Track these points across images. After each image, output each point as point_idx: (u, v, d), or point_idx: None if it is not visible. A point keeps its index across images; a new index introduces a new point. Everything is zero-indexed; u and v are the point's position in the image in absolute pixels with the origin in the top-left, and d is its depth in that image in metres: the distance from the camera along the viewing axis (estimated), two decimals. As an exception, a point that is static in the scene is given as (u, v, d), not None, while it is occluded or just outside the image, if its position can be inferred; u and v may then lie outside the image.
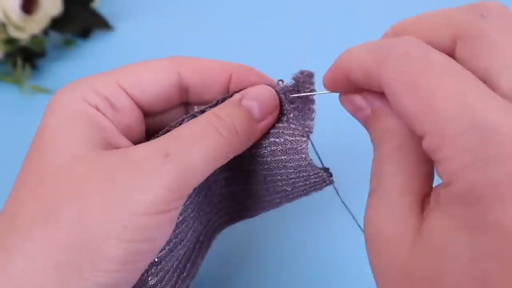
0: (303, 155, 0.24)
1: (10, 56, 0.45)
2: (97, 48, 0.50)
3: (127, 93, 0.23)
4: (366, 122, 0.21)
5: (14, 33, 0.43)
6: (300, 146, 0.24)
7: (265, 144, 0.25)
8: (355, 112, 0.21)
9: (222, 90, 0.25)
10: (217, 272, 0.33)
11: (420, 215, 0.17)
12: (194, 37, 0.51)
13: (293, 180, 0.26)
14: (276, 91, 0.24)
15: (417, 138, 0.17)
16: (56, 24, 0.47)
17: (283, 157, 0.24)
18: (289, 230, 0.35)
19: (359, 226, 0.24)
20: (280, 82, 0.25)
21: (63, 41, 0.50)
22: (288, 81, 0.25)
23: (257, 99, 0.23)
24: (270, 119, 0.24)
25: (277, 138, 0.24)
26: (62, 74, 0.47)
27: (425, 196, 0.18)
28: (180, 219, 0.24)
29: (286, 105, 0.24)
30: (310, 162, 0.24)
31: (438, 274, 0.15)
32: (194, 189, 0.24)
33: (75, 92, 0.23)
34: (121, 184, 0.19)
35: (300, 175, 0.25)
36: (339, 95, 0.22)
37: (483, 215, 0.14)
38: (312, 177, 0.25)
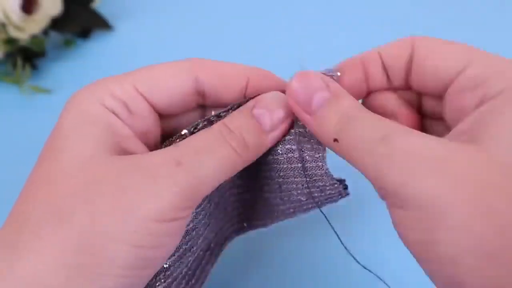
0: (320, 163, 0.23)
1: (10, 56, 0.45)
2: (97, 48, 0.50)
3: (144, 97, 0.23)
4: (321, 107, 0.21)
5: (14, 33, 0.43)
6: (317, 154, 0.23)
7: (281, 150, 0.24)
8: (311, 95, 0.22)
9: (239, 94, 0.25)
10: (221, 277, 0.33)
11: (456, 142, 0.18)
12: (194, 36, 0.51)
13: (308, 190, 0.25)
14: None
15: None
16: (56, 24, 0.47)
17: (299, 165, 0.24)
18: (294, 236, 0.35)
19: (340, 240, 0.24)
20: None
21: (63, 41, 0.50)
22: None
23: (269, 109, 0.23)
24: (283, 127, 0.24)
25: (294, 145, 0.24)
26: (62, 74, 0.47)
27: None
28: (190, 226, 0.23)
29: None
30: (327, 171, 0.23)
31: None
32: (205, 198, 0.24)
33: (93, 95, 0.23)
34: (132, 190, 0.19)
35: (316, 184, 0.25)
36: (288, 84, 0.22)
37: None
38: (328, 188, 0.25)
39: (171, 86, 0.24)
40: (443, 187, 0.17)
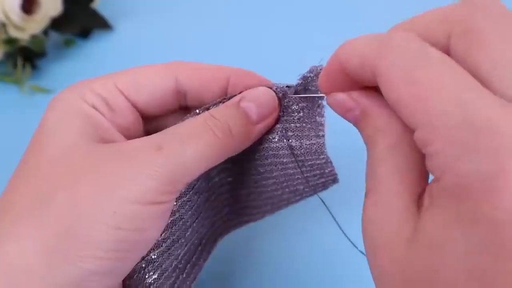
0: (321, 152, 0.24)
1: (10, 56, 0.45)
2: (97, 48, 0.50)
3: (124, 94, 0.24)
4: (356, 123, 0.21)
5: (14, 33, 0.43)
6: (316, 146, 0.24)
7: (283, 146, 0.24)
8: (344, 113, 0.21)
9: (220, 94, 0.25)
10: (216, 273, 0.33)
11: (416, 213, 0.17)
12: (194, 36, 0.51)
13: (307, 179, 0.26)
14: (276, 93, 0.24)
15: (409, 136, 0.17)
16: (56, 24, 0.47)
17: (301, 157, 0.24)
18: (287, 231, 0.36)
19: (347, 237, 0.24)
20: (287, 88, 0.25)
21: (63, 41, 0.50)
22: (295, 81, 0.25)
23: (255, 101, 0.24)
24: (269, 121, 0.24)
25: (295, 138, 0.24)
26: (62, 74, 0.47)
27: (421, 194, 0.18)
28: (176, 216, 0.24)
29: (294, 105, 0.24)
30: (328, 160, 0.24)
31: (435, 269, 0.15)
32: (192, 187, 0.24)
33: (74, 92, 0.24)
34: (112, 173, 0.20)
35: (314, 173, 0.25)
36: (326, 97, 0.22)
37: (474, 209, 0.14)
38: (325, 175, 0.25)
39: (150, 84, 0.25)
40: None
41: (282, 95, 0.24)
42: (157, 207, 0.21)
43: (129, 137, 0.24)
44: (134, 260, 0.22)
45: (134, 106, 0.25)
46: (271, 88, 0.24)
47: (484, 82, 0.16)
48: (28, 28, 0.44)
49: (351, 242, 0.25)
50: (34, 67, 0.47)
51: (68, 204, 0.19)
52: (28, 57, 0.46)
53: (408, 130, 0.18)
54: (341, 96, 0.21)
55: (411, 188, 0.18)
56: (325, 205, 0.25)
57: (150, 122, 0.26)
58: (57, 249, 0.19)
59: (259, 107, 0.23)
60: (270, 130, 0.25)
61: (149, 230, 0.21)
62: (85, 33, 0.51)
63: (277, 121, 0.25)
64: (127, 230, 0.20)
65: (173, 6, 0.55)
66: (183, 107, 0.26)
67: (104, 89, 0.24)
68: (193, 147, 0.21)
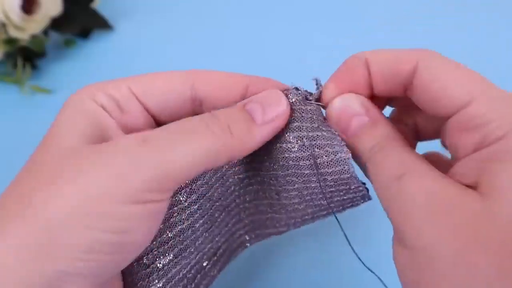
0: (346, 167, 0.22)
1: (10, 56, 0.45)
2: (97, 48, 0.50)
3: (137, 98, 0.24)
4: (357, 131, 0.22)
5: (14, 33, 0.43)
6: (339, 158, 0.22)
7: (303, 156, 0.23)
8: (349, 117, 0.22)
9: (237, 101, 0.24)
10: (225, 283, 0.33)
11: (462, 185, 0.19)
12: (194, 36, 0.51)
13: (330, 194, 0.24)
14: (286, 95, 0.23)
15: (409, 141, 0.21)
16: (56, 24, 0.47)
17: (323, 170, 0.23)
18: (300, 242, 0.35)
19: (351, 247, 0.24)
20: (294, 90, 0.24)
21: (63, 41, 0.50)
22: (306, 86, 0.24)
23: (261, 102, 0.22)
24: (277, 123, 0.23)
25: (317, 149, 0.23)
26: (62, 74, 0.47)
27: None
28: (185, 224, 0.23)
29: (311, 114, 0.23)
30: (353, 174, 0.22)
31: None
32: (203, 194, 0.23)
33: (86, 92, 0.24)
34: (94, 171, 0.19)
35: (340, 188, 0.23)
36: (332, 105, 0.23)
37: None
38: (352, 191, 0.24)
39: (165, 90, 0.24)
40: (440, 235, 0.18)
41: (295, 100, 0.23)
42: (142, 207, 0.19)
43: None
44: (126, 260, 0.21)
45: (147, 110, 0.24)
46: (284, 91, 0.23)
47: None
48: (28, 28, 0.44)
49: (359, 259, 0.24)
50: (34, 67, 0.47)
51: (46, 204, 0.19)
52: (28, 57, 0.46)
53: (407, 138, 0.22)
54: (353, 99, 0.22)
55: (439, 167, 0.20)
56: (339, 224, 0.24)
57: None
58: (36, 249, 0.19)
59: (264, 107, 0.22)
60: (286, 139, 0.23)
61: (135, 232, 0.20)
62: (85, 33, 0.51)
63: (288, 126, 0.23)
64: (108, 232, 0.19)
65: (173, 6, 0.55)
66: (197, 113, 0.25)
67: (116, 91, 0.23)
68: (184, 143, 0.20)
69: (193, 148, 0.20)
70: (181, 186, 0.24)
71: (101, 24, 0.51)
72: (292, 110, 0.23)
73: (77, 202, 0.19)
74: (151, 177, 0.19)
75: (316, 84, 0.24)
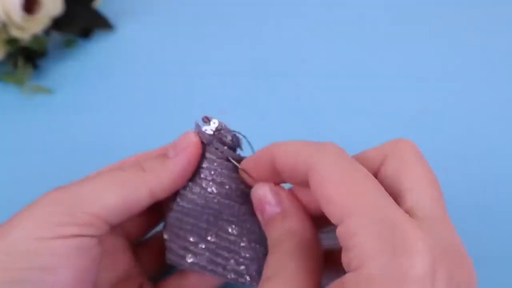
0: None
1: (11, 56, 0.45)
2: (98, 48, 0.50)
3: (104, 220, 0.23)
4: (269, 221, 0.23)
5: (15, 33, 0.43)
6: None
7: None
8: (263, 205, 0.23)
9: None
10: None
11: None
12: (195, 36, 0.51)
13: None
14: (200, 132, 0.25)
15: (315, 241, 0.21)
16: (57, 24, 0.47)
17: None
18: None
19: None
20: (206, 119, 0.25)
21: (64, 41, 0.50)
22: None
23: (172, 144, 0.24)
24: (189, 151, 0.24)
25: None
26: (63, 74, 0.47)
27: None
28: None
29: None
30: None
31: None
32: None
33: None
34: (14, 217, 0.21)
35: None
36: (252, 191, 0.24)
37: None
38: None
39: (129, 210, 0.23)
40: None
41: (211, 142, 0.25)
42: (62, 242, 0.20)
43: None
44: None
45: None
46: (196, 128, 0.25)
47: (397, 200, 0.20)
48: (29, 28, 0.44)
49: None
50: (35, 67, 0.47)
51: None
52: (29, 57, 0.46)
53: (315, 233, 0.22)
54: (270, 188, 0.23)
55: (313, 284, 0.20)
56: None
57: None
58: None
59: (174, 145, 0.24)
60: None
61: (60, 269, 0.20)
62: (86, 33, 0.50)
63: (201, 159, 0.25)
64: (27, 270, 0.19)
65: (175, 6, 0.55)
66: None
67: (87, 221, 0.23)
68: (96, 181, 0.22)
69: (106, 182, 0.22)
70: None
71: (102, 24, 0.51)
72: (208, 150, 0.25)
73: None
74: (62, 211, 0.20)
75: (232, 139, 0.25)
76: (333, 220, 0.19)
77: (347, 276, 0.18)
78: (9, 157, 0.39)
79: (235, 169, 0.25)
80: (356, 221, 0.18)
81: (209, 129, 0.25)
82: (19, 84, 0.45)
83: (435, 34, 0.52)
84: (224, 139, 0.25)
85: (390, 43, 0.51)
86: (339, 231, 0.18)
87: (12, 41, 0.44)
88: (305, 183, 0.21)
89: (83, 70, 0.47)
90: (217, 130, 0.25)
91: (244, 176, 0.25)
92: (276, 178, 0.23)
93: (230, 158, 0.25)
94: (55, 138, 0.40)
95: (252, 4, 0.56)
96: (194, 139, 0.24)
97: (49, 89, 0.45)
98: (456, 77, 0.48)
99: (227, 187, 0.25)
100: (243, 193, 0.25)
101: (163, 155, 0.24)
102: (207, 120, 0.25)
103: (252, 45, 0.51)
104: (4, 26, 0.43)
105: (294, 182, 0.23)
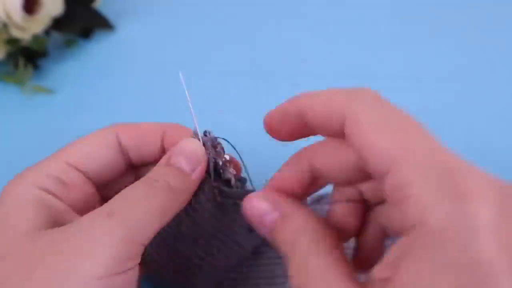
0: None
1: (11, 56, 0.45)
2: (98, 48, 0.50)
3: (77, 169, 0.25)
4: (273, 229, 0.21)
5: (15, 33, 0.43)
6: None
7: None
8: (260, 217, 0.22)
9: (158, 149, 0.27)
10: None
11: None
12: (196, 36, 0.51)
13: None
14: (203, 143, 0.25)
15: (328, 230, 0.20)
16: (57, 24, 0.47)
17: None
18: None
19: None
20: (208, 133, 0.26)
21: (65, 41, 0.50)
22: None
23: (182, 154, 0.24)
24: (202, 166, 0.25)
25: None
26: (64, 74, 0.47)
27: (353, 273, 0.18)
28: None
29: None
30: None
31: None
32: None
33: (26, 179, 0.24)
34: (68, 253, 0.20)
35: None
36: (243, 205, 0.23)
37: (461, 252, 0.15)
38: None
39: (99, 152, 0.26)
40: None
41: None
42: (122, 277, 0.20)
43: (87, 210, 0.24)
44: None
45: (87, 176, 0.25)
46: (194, 136, 0.26)
47: None
48: (29, 28, 0.44)
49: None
50: (35, 67, 0.47)
51: None
52: (29, 57, 0.46)
53: (327, 227, 0.20)
54: (260, 198, 0.22)
55: (346, 272, 0.18)
56: None
57: (105, 191, 0.27)
58: None
59: (188, 158, 0.24)
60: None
61: None
62: (86, 33, 0.50)
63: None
64: None
65: (175, 6, 0.55)
66: (129, 167, 0.28)
67: (55, 168, 0.24)
68: (142, 209, 0.22)
69: (151, 212, 0.22)
70: None
71: (102, 24, 0.51)
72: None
73: (61, 285, 0.19)
74: (123, 247, 0.20)
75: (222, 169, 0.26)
76: (377, 171, 0.17)
77: (410, 234, 0.16)
78: (10, 157, 0.39)
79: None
80: (409, 169, 0.16)
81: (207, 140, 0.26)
82: (20, 84, 0.45)
83: (436, 34, 0.52)
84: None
85: (390, 43, 0.51)
86: (388, 182, 0.17)
87: (12, 41, 0.44)
88: (339, 134, 0.19)
89: (83, 70, 0.47)
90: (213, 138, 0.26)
91: (271, 134, 0.24)
92: (305, 131, 0.22)
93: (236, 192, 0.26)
94: (55, 138, 0.40)
95: (252, 4, 0.56)
96: (203, 152, 0.25)
97: (50, 89, 0.45)
98: (456, 77, 0.48)
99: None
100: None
101: (181, 172, 0.24)
102: (216, 143, 0.26)
103: (252, 45, 0.51)
104: (5, 26, 0.43)
105: (327, 134, 0.22)
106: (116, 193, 0.24)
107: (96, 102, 0.44)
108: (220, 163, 0.25)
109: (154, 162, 0.26)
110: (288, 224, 0.21)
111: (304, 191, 0.23)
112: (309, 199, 0.35)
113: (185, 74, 0.47)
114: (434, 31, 0.53)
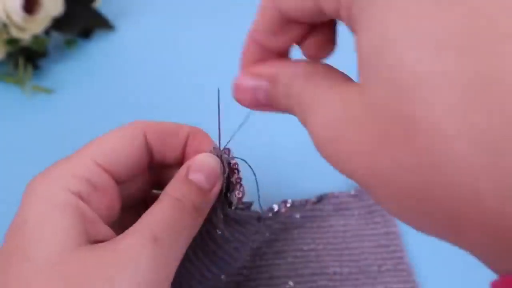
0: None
1: (11, 56, 0.45)
2: (98, 48, 0.50)
3: (105, 169, 0.23)
4: (269, 98, 0.21)
5: (15, 34, 0.43)
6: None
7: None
8: (255, 95, 0.21)
9: (180, 152, 0.26)
10: None
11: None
12: (196, 36, 0.51)
13: None
14: (220, 157, 0.26)
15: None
16: (57, 24, 0.47)
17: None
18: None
19: None
20: (226, 151, 0.26)
21: (65, 41, 0.50)
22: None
23: (202, 171, 0.24)
24: (220, 183, 0.25)
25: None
26: (64, 74, 0.47)
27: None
28: None
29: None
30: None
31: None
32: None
33: (55, 180, 0.22)
34: (119, 281, 0.19)
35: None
36: (235, 96, 0.23)
37: None
38: None
39: (126, 152, 0.24)
40: None
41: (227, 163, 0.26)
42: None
43: (113, 214, 0.24)
44: None
45: (114, 178, 0.24)
46: (213, 151, 0.26)
47: None
48: (29, 28, 0.44)
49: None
50: (35, 67, 0.47)
51: None
52: (29, 57, 0.46)
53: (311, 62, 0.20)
54: (245, 77, 0.22)
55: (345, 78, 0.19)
56: None
57: (121, 189, 0.25)
58: None
59: (207, 176, 0.24)
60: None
61: None
62: (86, 33, 0.50)
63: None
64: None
65: (175, 6, 0.55)
66: (149, 165, 0.27)
67: (85, 169, 0.23)
68: (181, 236, 0.22)
69: (186, 238, 0.23)
70: None
71: (102, 24, 0.51)
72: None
73: None
74: (165, 271, 0.21)
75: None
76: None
77: (358, 43, 0.16)
78: (10, 156, 0.39)
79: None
80: None
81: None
82: (20, 84, 0.45)
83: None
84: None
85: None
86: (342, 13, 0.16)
87: (12, 42, 0.44)
88: None
89: (83, 70, 0.48)
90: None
91: None
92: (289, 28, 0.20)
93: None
94: (55, 138, 0.41)
95: (252, 4, 0.56)
96: (218, 170, 0.25)
97: (50, 89, 0.45)
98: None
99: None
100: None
101: (201, 191, 0.24)
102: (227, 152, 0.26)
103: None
104: (5, 26, 0.43)
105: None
106: (129, 193, 0.24)
107: (96, 102, 0.44)
108: (233, 181, 0.26)
109: (173, 164, 0.27)
110: (279, 83, 0.20)
111: (278, 42, 0.22)
112: (310, 200, 0.35)
113: (185, 74, 0.48)
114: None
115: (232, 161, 0.26)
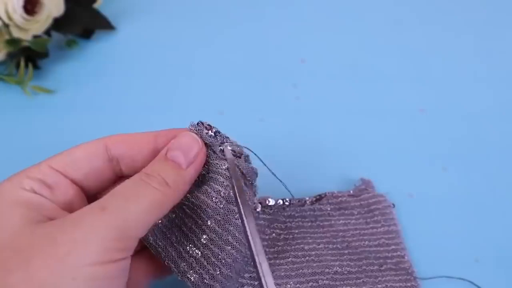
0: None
1: (13, 57, 0.46)
2: (99, 49, 0.50)
3: (59, 172, 0.25)
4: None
5: (16, 34, 0.44)
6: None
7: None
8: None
9: (150, 155, 0.27)
10: None
11: None
12: (196, 36, 0.52)
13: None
14: (198, 134, 0.26)
15: None
16: (58, 24, 0.47)
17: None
18: None
19: None
20: (197, 126, 0.27)
21: (65, 41, 0.50)
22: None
23: (180, 148, 0.25)
24: (199, 159, 0.26)
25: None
26: (65, 75, 0.47)
27: None
28: None
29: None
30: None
31: None
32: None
33: (12, 182, 0.25)
34: (63, 241, 0.21)
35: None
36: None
37: None
38: None
39: (83, 158, 0.26)
40: None
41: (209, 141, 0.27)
42: (113, 265, 0.22)
43: (71, 204, 0.26)
44: None
45: (73, 182, 0.26)
46: (192, 131, 0.27)
47: None
48: (30, 29, 0.45)
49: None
50: (36, 67, 0.47)
51: (25, 282, 0.20)
52: (30, 57, 0.46)
53: None
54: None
55: None
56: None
57: (94, 197, 0.27)
58: None
59: (184, 151, 0.25)
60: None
61: None
62: (87, 34, 0.51)
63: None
64: None
65: (174, 6, 0.55)
66: (120, 177, 0.28)
67: (39, 172, 0.25)
68: (135, 203, 0.23)
69: (144, 207, 0.23)
70: None
71: (103, 24, 0.51)
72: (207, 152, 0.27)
73: (56, 272, 0.20)
74: (115, 238, 0.22)
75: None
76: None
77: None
78: (10, 156, 0.39)
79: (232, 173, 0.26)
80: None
81: (209, 133, 0.27)
82: (21, 84, 0.45)
83: (435, 34, 0.52)
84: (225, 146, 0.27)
85: (390, 43, 0.51)
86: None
87: (13, 42, 0.44)
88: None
89: (84, 71, 0.48)
90: (216, 133, 0.27)
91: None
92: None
93: (237, 165, 0.26)
94: (56, 138, 0.41)
95: (252, 4, 0.56)
96: (201, 145, 0.26)
97: (50, 89, 0.45)
98: (456, 77, 0.48)
99: (221, 193, 0.26)
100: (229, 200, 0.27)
101: (177, 166, 0.25)
102: (209, 128, 0.27)
103: (251, 45, 0.51)
104: (6, 27, 0.43)
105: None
106: None
107: (96, 102, 0.44)
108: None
109: None
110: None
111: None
112: (309, 199, 0.36)
113: (185, 74, 0.48)
114: (434, 31, 0.53)
115: (240, 149, 0.27)
